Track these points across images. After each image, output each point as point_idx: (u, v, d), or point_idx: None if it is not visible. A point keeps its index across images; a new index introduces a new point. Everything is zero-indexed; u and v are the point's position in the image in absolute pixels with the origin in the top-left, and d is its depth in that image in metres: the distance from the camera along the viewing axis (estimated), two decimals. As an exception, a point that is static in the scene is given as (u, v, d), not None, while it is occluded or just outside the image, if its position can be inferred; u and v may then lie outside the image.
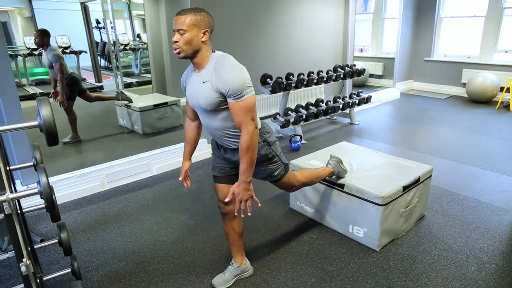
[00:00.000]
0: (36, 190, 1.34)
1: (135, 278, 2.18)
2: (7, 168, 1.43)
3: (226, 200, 1.79)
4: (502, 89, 6.04)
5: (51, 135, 1.26)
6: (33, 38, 3.50)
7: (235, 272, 2.10)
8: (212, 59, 1.68)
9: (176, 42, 1.62)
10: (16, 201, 1.47)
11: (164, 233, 2.63)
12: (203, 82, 1.67)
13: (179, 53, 1.64)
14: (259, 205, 1.81)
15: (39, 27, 3.55)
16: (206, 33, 1.64)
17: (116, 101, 4.19)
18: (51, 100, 3.60)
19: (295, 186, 2.14)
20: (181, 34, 1.60)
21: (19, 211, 1.52)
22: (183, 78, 1.88)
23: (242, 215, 1.78)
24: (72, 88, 3.75)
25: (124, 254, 2.41)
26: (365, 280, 2.10)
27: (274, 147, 1.90)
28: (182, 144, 3.86)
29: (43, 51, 3.53)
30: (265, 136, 1.85)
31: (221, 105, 1.67)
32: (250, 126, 1.64)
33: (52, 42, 3.56)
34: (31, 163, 1.78)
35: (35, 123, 1.29)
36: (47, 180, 1.34)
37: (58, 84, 3.61)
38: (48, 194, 1.31)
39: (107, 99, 4.10)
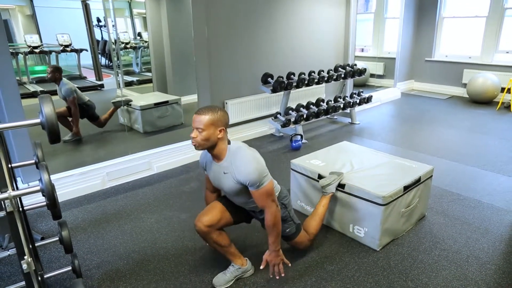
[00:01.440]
0: (38, 188, 1.34)
1: (136, 276, 2.19)
2: (9, 165, 1.43)
3: (261, 267, 1.96)
4: (503, 89, 6.04)
5: (53, 133, 1.26)
6: (36, 35, 3.51)
7: (236, 273, 2.10)
8: (229, 153, 1.87)
9: (194, 137, 1.79)
10: (18, 198, 1.47)
11: (165, 232, 2.64)
12: (225, 173, 1.88)
13: (197, 146, 1.81)
14: (290, 265, 2.08)
15: (40, 25, 3.55)
16: (222, 131, 1.82)
17: (119, 108, 4.20)
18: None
19: (307, 245, 2.32)
20: (200, 132, 1.77)
21: (20, 209, 1.52)
22: (202, 160, 2.06)
23: (277, 277, 1.99)
24: (85, 113, 3.88)
25: (124, 252, 2.42)
26: (366, 279, 2.11)
27: (289, 209, 2.13)
28: (183, 143, 3.91)
29: (57, 86, 3.67)
30: (283, 200, 2.08)
31: (244, 190, 1.89)
32: (272, 208, 1.86)
33: (53, 40, 3.56)
34: (33, 161, 1.78)
35: (37, 120, 1.29)
36: (49, 178, 1.34)
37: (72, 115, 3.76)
38: (50, 192, 1.32)
39: (111, 114, 4.16)
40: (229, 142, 1.89)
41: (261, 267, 1.95)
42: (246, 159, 1.82)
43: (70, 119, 3.78)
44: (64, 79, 3.64)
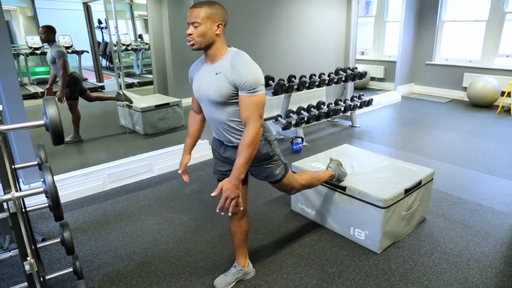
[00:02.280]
0: (41, 189, 1.34)
1: (137, 278, 2.19)
2: (12, 166, 1.44)
3: (212, 194, 1.69)
4: (503, 93, 6.05)
5: (57, 135, 1.26)
6: (37, 36, 3.51)
7: (237, 275, 2.10)
8: (228, 53, 1.70)
9: (190, 34, 1.63)
10: (21, 200, 1.47)
11: (166, 234, 2.64)
12: (216, 74, 1.68)
13: (192, 45, 1.65)
14: (241, 208, 1.78)
15: (42, 25, 3.56)
16: (220, 26, 1.66)
17: (117, 101, 4.19)
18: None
19: (295, 188, 2.13)
20: (195, 27, 1.62)
21: (23, 210, 1.52)
22: (191, 70, 1.88)
23: (222, 213, 1.70)
24: (72, 87, 3.77)
25: (125, 254, 2.42)
26: (366, 282, 2.11)
27: (274, 146, 1.91)
28: (183, 145, 3.90)
29: (48, 47, 3.56)
30: (266, 135, 1.85)
31: (231, 98, 1.68)
32: (257, 122, 1.65)
33: (54, 41, 3.57)
34: (35, 162, 1.78)
35: (41, 122, 1.29)
36: (53, 179, 1.34)
37: (58, 80, 3.63)
38: (53, 194, 1.32)
39: (107, 99, 4.12)
40: (229, 46, 1.74)
41: (212, 194, 1.69)
42: (247, 60, 1.67)
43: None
44: (57, 42, 3.56)
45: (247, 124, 1.66)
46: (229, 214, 1.72)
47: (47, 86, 3.69)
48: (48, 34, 3.48)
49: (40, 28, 3.51)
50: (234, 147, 1.82)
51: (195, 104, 1.97)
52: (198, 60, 1.84)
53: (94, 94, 3.99)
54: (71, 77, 3.74)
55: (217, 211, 1.71)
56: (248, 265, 2.14)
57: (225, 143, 1.87)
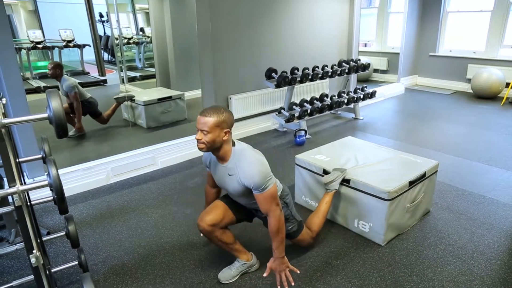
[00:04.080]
0: (46, 183, 1.34)
1: (141, 271, 2.20)
2: (17, 160, 1.43)
3: (264, 275, 1.89)
4: (507, 85, 6.01)
5: (61, 128, 1.26)
6: (38, 30, 3.50)
7: (241, 268, 2.11)
8: (233, 155, 1.84)
9: (199, 139, 1.75)
10: (26, 193, 1.47)
11: (170, 227, 2.64)
12: (229, 175, 1.86)
13: (201, 149, 1.78)
14: (298, 272, 1.98)
15: (43, 20, 3.54)
16: (227, 132, 1.79)
17: (121, 104, 4.20)
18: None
19: (310, 243, 2.30)
20: (204, 134, 1.74)
21: (28, 203, 1.53)
22: (206, 158, 2.03)
23: (286, 287, 1.88)
24: (87, 109, 3.87)
25: (130, 247, 2.43)
26: (371, 274, 2.11)
27: (291, 207, 2.11)
28: (187, 138, 3.91)
29: (58, 82, 3.65)
30: (285, 199, 2.06)
31: (248, 193, 1.86)
32: (276, 212, 1.83)
33: (55, 35, 3.56)
34: (39, 156, 1.78)
35: (45, 115, 1.29)
36: (57, 172, 1.34)
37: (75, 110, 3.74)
38: (58, 187, 1.32)
39: (114, 110, 4.15)
40: (233, 144, 1.86)
41: (265, 275, 1.89)
42: (251, 162, 1.80)
43: (72, 116, 3.77)
44: (65, 75, 3.64)
45: (268, 214, 1.84)
46: (292, 284, 1.92)
47: (65, 105, 3.74)
48: (55, 70, 3.57)
49: (48, 65, 3.59)
50: (255, 209, 2.08)
51: (211, 180, 2.17)
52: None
53: (105, 114, 4.03)
54: (87, 101, 3.85)
55: (278, 287, 1.90)
56: (252, 258, 2.14)
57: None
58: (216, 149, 1.81)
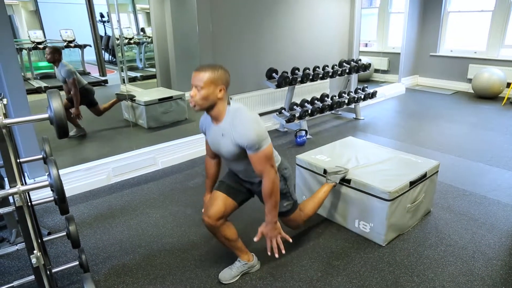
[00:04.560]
0: (47, 183, 1.34)
1: (142, 271, 2.20)
2: (17, 160, 1.44)
3: (255, 240, 1.86)
4: (508, 84, 6.00)
5: (61, 128, 1.26)
6: (39, 30, 3.51)
7: (242, 268, 2.11)
8: (228, 113, 1.78)
9: (193, 96, 1.70)
10: (27, 193, 1.47)
11: (170, 227, 2.65)
12: (223, 135, 1.79)
13: (195, 106, 1.72)
14: (291, 241, 1.94)
15: (44, 20, 3.55)
16: (222, 90, 1.73)
17: (120, 101, 4.20)
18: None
19: (299, 225, 2.26)
20: (199, 90, 1.68)
21: (29, 204, 1.53)
22: (202, 123, 1.97)
23: (276, 255, 1.85)
24: (84, 97, 3.83)
25: (130, 247, 2.43)
26: (371, 275, 2.11)
27: (290, 183, 2.04)
28: (188, 138, 3.91)
29: (55, 67, 3.62)
30: (283, 172, 2.00)
31: (242, 154, 1.79)
32: (270, 173, 1.77)
33: (56, 35, 3.56)
34: (40, 156, 1.78)
35: (46, 115, 1.29)
36: (58, 172, 1.34)
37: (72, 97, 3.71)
38: (59, 187, 1.32)
39: (112, 105, 4.14)
40: (228, 103, 1.80)
41: (255, 239, 1.85)
42: (246, 120, 1.73)
43: (71, 110, 3.75)
44: (63, 60, 3.59)
45: (262, 176, 1.78)
46: (283, 251, 1.86)
47: (65, 100, 3.73)
48: (53, 55, 3.54)
49: (46, 49, 3.55)
50: (252, 183, 2.00)
51: (210, 150, 2.08)
52: (205, 115, 1.90)
53: (101, 107, 4.02)
54: (84, 89, 3.82)
55: (269, 254, 1.88)
56: (252, 258, 2.14)
57: (243, 179, 2.02)
58: (210, 108, 1.75)
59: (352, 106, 5.14)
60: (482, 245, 2.35)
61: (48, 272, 1.55)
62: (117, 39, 4.00)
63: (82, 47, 3.90)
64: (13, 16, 3.44)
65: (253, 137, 1.69)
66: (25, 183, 1.56)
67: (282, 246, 1.84)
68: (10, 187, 1.30)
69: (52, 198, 1.52)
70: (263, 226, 1.84)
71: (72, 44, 3.75)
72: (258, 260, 2.19)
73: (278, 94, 4.91)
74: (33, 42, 3.59)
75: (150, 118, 4.37)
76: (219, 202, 1.96)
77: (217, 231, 1.96)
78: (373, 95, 5.34)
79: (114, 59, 4.20)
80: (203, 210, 2.09)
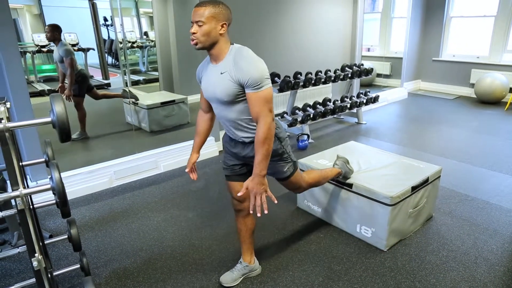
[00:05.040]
0: (49, 186, 1.35)
1: (143, 274, 2.20)
2: (20, 164, 1.44)
3: (239, 194, 1.73)
4: (511, 89, 5.98)
5: (64, 132, 1.26)
6: (43, 34, 3.53)
7: (243, 271, 2.10)
8: (230, 51, 1.68)
9: (194, 33, 1.61)
10: (29, 196, 1.48)
11: (172, 231, 2.64)
12: (221, 73, 1.67)
13: (196, 44, 1.63)
14: (276, 201, 1.71)
15: (48, 24, 3.57)
16: (224, 25, 1.65)
17: (123, 98, 4.21)
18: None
19: (302, 187, 2.13)
20: (200, 26, 1.60)
21: (31, 207, 1.53)
22: (199, 70, 1.87)
23: (258, 214, 1.67)
24: (80, 84, 3.80)
25: (132, 250, 2.43)
26: (373, 280, 2.10)
27: (285, 143, 1.90)
28: (190, 142, 3.91)
29: (54, 46, 3.57)
30: (276, 131, 1.81)
31: (238, 96, 1.67)
32: (267, 117, 1.64)
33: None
34: (42, 159, 1.79)
35: (48, 119, 1.29)
36: (60, 176, 1.35)
37: (66, 79, 3.66)
38: (60, 190, 1.32)
39: (113, 96, 4.14)
40: (232, 44, 1.72)
41: (239, 194, 1.72)
42: (249, 57, 1.65)
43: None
44: (63, 40, 3.56)
45: (258, 120, 1.65)
46: (266, 212, 1.69)
47: (59, 84, 3.72)
48: (53, 33, 3.50)
49: (46, 27, 3.52)
50: (244, 143, 1.84)
51: (204, 103, 1.97)
52: (204, 60, 1.83)
53: (100, 92, 4.01)
54: (79, 74, 3.77)
55: (251, 212, 1.77)
56: (254, 262, 2.14)
57: (234, 139, 1.87)
58: (211, 46, 1.65)
59: (354, 110, 5.14)
60: (485, 250, 2.34)
61: (49, 275, 1.55)
62: (120, 43, 4.02)
63: (85, 50, 3.92)
64: (17, 20, 3.46)
65: (256, 74, 1.59)
66: (27, 186, 1.56)
67: (265, 206, 1.68)
68: (12, 190, 1.31)
69: (54, 201, 1.53)
70: (250, 180, 1.68)
71: (75, 48, 3.78)
72: (260, 265, 2.19)
73: (280, 99, 4.92)
74: (37, 45, 3.62)
75: (153, 121, 4.39)
76: (237, 187, 1.91)
77: (243, 215, 1.98)
78: (375, 99, 5.34)
79: (117, 63, 4.22)
80: (186, 170, 2.09)
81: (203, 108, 2.00)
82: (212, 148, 4.04)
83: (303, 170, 2.30)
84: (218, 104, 1.77)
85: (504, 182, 3.29)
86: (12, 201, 1.33)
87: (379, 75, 6.98)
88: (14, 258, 2.36)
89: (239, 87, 1.64)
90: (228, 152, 1.96)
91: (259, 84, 1.61)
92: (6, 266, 2.29)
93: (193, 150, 2.09)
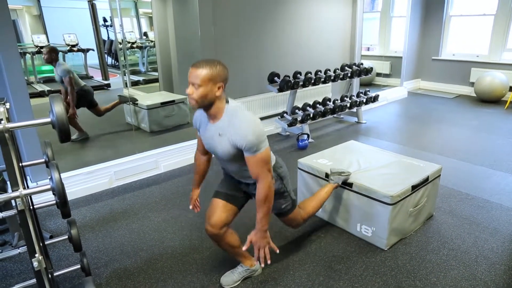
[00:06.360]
0: (49, 187, 1.35)
1: (144, 274, 2.20)
2: (20, 164, 1.44)
3: (244, 248, 1.82)
4: (511, 88, 5.98)
5: (63, 132, 1.26)
6: (43, 35, 3.53)
7: (244, 273, 2.10)
8: (226, 112, 1.69)
9: (190, 94, 1.62)
10: (29, 197, 1.48)
11: (172, 231, 2.65)
12: (220, 135, 1.71)
13: (193, 105, 1.65)
14: (277, 251, 1.87)
15: (47, 25, 3.57)
16: (221, 87, 1.64)
17: (122, 104, 4.22)
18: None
19: (300, 223, 2.21)
20: (196, 88, 1.60)
21: (31, 207, 1.53)
22: (196, 120, 1.88)
23: (262, 265, 1.81)
24: (81, 98, 3.84)
25: (132, 251, 2.43)
26: (373, 279, 2.10)
27: (286, 182, 1.99)
28: (190, 142, 3.91)
29: (53, 67, 3.64)
30: (278, 171, 1.93)
31: (238, 156, 1.72)
32: (267, 178, 1.71)
33: (59, 40, 3.58)
34: (42, 160, 1.79)
35: (48, 120, 1.30)
36: (60, 176, 1.35)
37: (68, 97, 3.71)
38: (60, 191, 1.32)
39: (113, 106, 4.15)
40: (227, 101, 1.72)
41: (244, 248, 1.81)
42: (245, 120, 1.65)
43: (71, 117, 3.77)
44: (60, 60, 3.60)
45: (258, 180, 1.71)
46: (269, 262, 1.80)
47: (64, 101, 3.74)
48: (51, 54, 3.55)
49: (43, 50, 3.56)
50: (248, 184, 1.94)
51: (201, 146, 2.02)
52: (200, 111, 1.80)
53: (102, 108, 4.02)
54: (82, 90, 3.83)
55: (256, 262, 1.90)
56: (255, 264, 2.13)
57: (238, 179, 1.97)
58: (208, 106, 1.66)
59: (354, 110, 5.14)
60: (485, 249, 2.34)
61: (49, 276, 1.55)
62: (120, 43, 4.02)
63: (85, 51, 3.92)
64: (17, 21, 3.46)
65: (251, 138, 1.62)
66: (27, 187, 1.56)
67: (268, 257, 1.79)
68: (12, 190, 1.31)
69: (54, 201, 1.53)
70: (253, 234, 1.78)
71: (75, 48, 3.78)
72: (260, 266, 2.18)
73: (280, 98, 4.92)
74: (37, 46, 3.62)
75: (153, 121, 4.39)
76: (220, 210, 1.94)
77: (220, 239, 1.95)
78: (375, 99, 5.34)
79: (117, 63, 4.22)
80: (190, 207, 2.16)
81: (201, 150, 2.05)
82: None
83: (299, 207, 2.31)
84: (220, 158, 1.84)
85: (504, 181, 3.29)
86: (12, 201, 1.32)
87: (378, 75, 6.97)
88: (14, 258, 2.36)
89: (238, 150, 1.69)
90: (229, 180, 2.04)
91: (256, 148, 1.65)
92: (6, 267, 2.29)
93: (194, 187, 2.18)
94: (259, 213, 1.74)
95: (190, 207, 2.16)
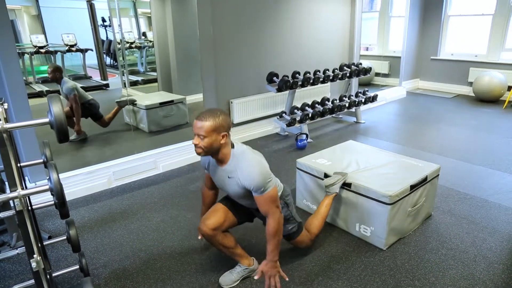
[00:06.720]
0: (47, 187, 1.35)
1: (142, 275, 2.20)
2: (18, 165, 1.44)
3: (256, 278, 1.89)
4: (509, 88, 5.99)
5: (61, 132, 1.26)
6: (41, 35, 3.53)
7: (243, 273, 2.10)
8: (233, 157, 1.82)
9: (196, 144, 1.74)
10: (27, 197, 1.48)
11: (171, 231, 2.64)
12: (229, 177, 1.84)
13: (199, 153, 1.77)
14: (287, 279, 1.95)
15: (46, 25, 3.57)
16: (225, 136, 1.76)
17: (123, 107, 4.21)
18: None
19: (308, 245, 2.30)
20: (202, 139, 1.72)
21: (29, 208, 1.53)
22: (204, 162, 2.00)
23: None
24: (88, 111, 3.86)
25: (131, 251, 2.43)
26: (372, 279, 2.10)
27: (291, 208, 2.10)
28: (188, 142, 3.91)
29: (58, 85, 3.67)
30: (286, 199, 2.05)
31: (248, 195, 1.84)
32: (275, 214, 1.81)
33: (58, 40, 3.57)
34: (41, 160, 1.79)
35: (46, 120, 1.29)
36: (58, 177, 1.34)
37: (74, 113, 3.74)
38: (58, 191, 1.32)
39: (115, 113, 4.16)
40: (232, 146, 1.84)
41: (256, 278, 1.89)
42: (251, 164, 1.78)
43: (74, 118, 3.78)
44: (64, 78, 3.64)
45: (267, 216, 1.82)
46: None
47: (67, 108, 3.76)
48: (55, 73, 3.58)
49: (48, 69, 3.60)
50: (256, 209, 1.96)
51: (209, 182, 2.15)
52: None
53: (106, 117, 4.04)
54: (89, 103, 3.85)
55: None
56: (253, 263, 2.14)
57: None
58: (214, 153, 1.79)
59: (353, 109, 5.14)
60: (484, 248, 2.34)
61: (48, 276, 1.55)
62: (119, 43, 4.02)
63: (83, 51, 3.91)
64: (15, 21, 3.46)
65: (259, 180, 1.74)
66: (26, 187, 1.56)
67: (279, 285, 1.87)
68: (11, 191, 1.30)
69: (53, 202, 1.53)
70: (264, 264, 1.86)
71: (73, 48, 3.77)
72: (259, 264, 2.18)
73: (279, 98, 4.92)
74: (35, 46, 3.61)
75: (151, 122, 4.38)
76: (219, 214, 1.99)
77: (213, 240, 1.98)
78: (373, 98, 5.35)
79: (116, 63, 4.22)
80: (199, 237, 2.19)
81: (208, 186, 2.18)
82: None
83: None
84: (231, 196, 1.98)
85: (503, 180, 3.29)
86: (11, 202, 1.32)
87: (377, 74, 6.98)
88: (13, 259, 2.35)
89: (247, 191, 1.81)
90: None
91: (263, 189, 1.76)
92: (5, 268, 2.29)
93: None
94: (270, 246, 1.84)
95: (199, 237, 2.17)
